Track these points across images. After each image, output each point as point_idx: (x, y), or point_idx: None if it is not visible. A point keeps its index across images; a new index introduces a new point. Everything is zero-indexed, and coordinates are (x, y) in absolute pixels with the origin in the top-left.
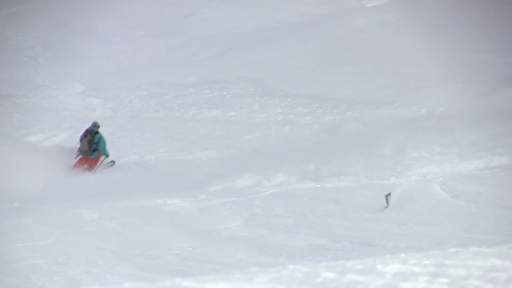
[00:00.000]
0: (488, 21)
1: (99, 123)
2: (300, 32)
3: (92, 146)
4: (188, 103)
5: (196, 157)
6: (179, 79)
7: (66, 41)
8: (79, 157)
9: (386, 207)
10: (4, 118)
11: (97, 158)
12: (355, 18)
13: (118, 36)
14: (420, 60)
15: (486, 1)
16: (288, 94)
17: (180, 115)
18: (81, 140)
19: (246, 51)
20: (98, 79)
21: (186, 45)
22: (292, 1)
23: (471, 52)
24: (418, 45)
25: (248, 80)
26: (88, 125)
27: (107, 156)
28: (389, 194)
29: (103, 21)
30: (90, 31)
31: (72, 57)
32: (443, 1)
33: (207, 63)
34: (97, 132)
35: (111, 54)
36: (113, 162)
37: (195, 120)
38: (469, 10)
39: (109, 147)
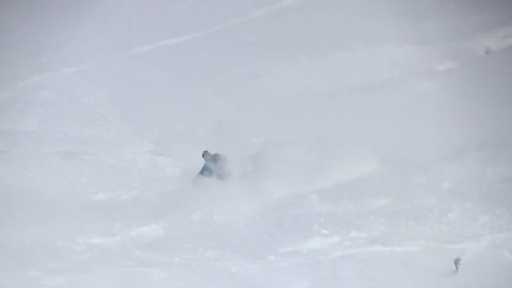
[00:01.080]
0: None
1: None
2: (368, 94)
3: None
4: None
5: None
6: (247, 139)
7: (135, 99)
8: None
9: (455, 272)
10: (73, 175)
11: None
12: (424, 81)
13: (185, 94)
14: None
15: None
16: None
17: None
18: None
19: (314, 112)
20: (167, 138)
21: (254, 105)
22: (361, 63)
23: None
24: (490, 109)
25: (315, 139)
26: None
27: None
28: (458, 259)
29: (169, 78)
30: (158, 89)
31: (141, 115)
32: None
33: (276, 123)
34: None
35: (180, 113)
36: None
37: None
38: None
39: None
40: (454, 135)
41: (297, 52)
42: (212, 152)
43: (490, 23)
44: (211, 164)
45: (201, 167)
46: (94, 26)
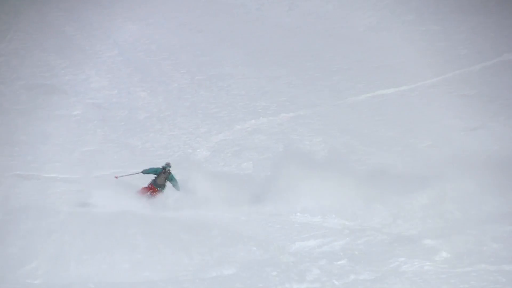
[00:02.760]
0: None
1: (171, 164)
2: None
3: (166, 182)
4: None
5: None
6: None
7: (350, 147)
8: (149, 185)
9: None
10: None
11: (161, 191)
12: None
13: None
14: None
15: None
16: None
17: None
18: (159, 175)
19: None
20: None
21: (464, 160)
22: None
23: None
24: None
25: None
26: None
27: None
28: None
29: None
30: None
31: (356, 162)
32: None
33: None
34: (170, 172)
35: None
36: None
37: None
38: None
39: None
40: None
41: None
42: None
43: None
44: None
45: None
46: (315, 74)
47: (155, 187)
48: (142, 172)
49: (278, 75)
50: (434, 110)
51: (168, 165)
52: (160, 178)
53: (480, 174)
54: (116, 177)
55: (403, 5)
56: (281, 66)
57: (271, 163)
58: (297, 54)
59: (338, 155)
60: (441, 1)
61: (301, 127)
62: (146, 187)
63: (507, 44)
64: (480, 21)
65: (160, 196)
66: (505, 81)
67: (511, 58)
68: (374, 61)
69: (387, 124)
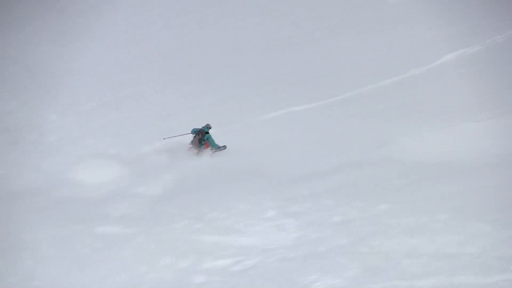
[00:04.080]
0: None
1: (211, 125)
2: (499, 167)
3: (201, 142)
4: None
5: None
6: None
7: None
8: (189, 144)
9: None
10: None
11: (205, 147)
12: None
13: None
14: None
15: None
16: None
17: None
18: (194, 136)
19: (439, 183)
20: None
21: (377, 172)
22: (488, 133)
23: None
24: None
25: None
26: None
27: (219, 147)
28: None
29: None
30: None
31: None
32: None
33: (400, 191)
34: (207, 132)
35: None
36: (224, 147)
37: None
38: None
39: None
40: None
41: (425, 121)
42: None
43: None
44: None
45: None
46: (228, 92)
47: (192, 145)
48: (191, 132)
49: (197, 93)
50: (342, 127)
51: (206, 126)
52: (195, 138)
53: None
54: (164, 139)
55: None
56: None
57: (180, 183)
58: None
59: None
60: None
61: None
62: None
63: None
64: None
65: (197, 152)
66: (413, 95)
67: (417, 73)
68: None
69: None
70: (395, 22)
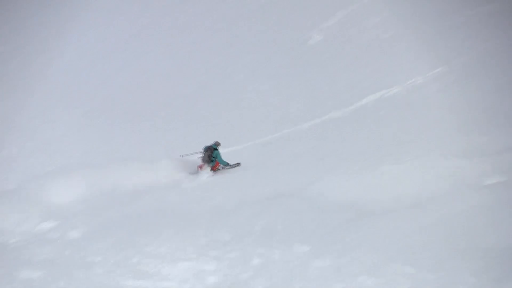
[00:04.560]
0: None
1: (219, 142)
2: (416, 208)
3: (211, 158)
4: None
5: None
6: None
7: None
8: (202, 163)
9: None
10: None
11: (215, 165)
12: (473, 195)
13: None
14: None
15: None
16: None
17: None
18: (203, 153)
19: (356, 227)
20: None
21: (293, 218)
22: (410, 175)
23: None
24: None
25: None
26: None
27: (227, 164)
28: None
29: None
30: None
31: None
32: None
33: (317, 234)
34: (216, 149)
35: None
36: (238, 164)
37: None
38: None
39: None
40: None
41: (344, 163)
42: None
43: None
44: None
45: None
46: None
47: (203, 163)
48: (202, 149)
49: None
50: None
51: (215, 143)
52: (205, 155)
53: None
54: (181, 156)
55: None
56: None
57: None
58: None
59: None
60: None
61: None
62: (202, 165)
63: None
64: None
65: (207, 170)
66: (335, 137)
67: (338, 115)
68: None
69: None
70: (318, 65)
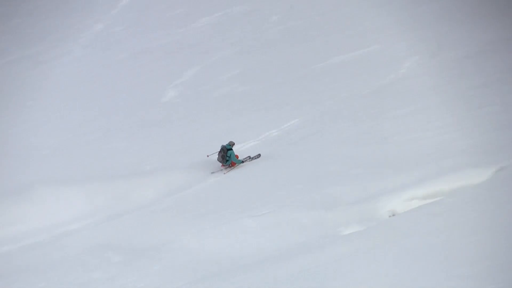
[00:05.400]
0: None
1: (234, 142)
2: (274, 262)
3: (225, 158)
4: None
5: None
6: None
7: None
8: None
9: None
10: None
11: (231, 164)
12: (332, 246)
13: None
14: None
15: None
16: None
17: None
18: (218, 153)
19: (219, 281)
20: None
21: (156, 276)
22: (268, 228)
23: None
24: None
25: None
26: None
27: (241, 162)
28: None
29: None
30: None
31: None
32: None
33: None
34: (230, 149)
35: None
36: (259, 155)
37: None
38: None
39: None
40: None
41: (203, 219)
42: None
43: (394, 186)
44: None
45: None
46: None
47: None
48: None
49: None
50: None
51: (229, 143)
52: (219, 156)
53: None
54: (208, 156)
55: None
56: None
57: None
58: None
59: None
60: None
61: None
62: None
63: None
64: None
65: (225, 167)
66: (192, 195)
67: None
68: None
69: None
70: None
